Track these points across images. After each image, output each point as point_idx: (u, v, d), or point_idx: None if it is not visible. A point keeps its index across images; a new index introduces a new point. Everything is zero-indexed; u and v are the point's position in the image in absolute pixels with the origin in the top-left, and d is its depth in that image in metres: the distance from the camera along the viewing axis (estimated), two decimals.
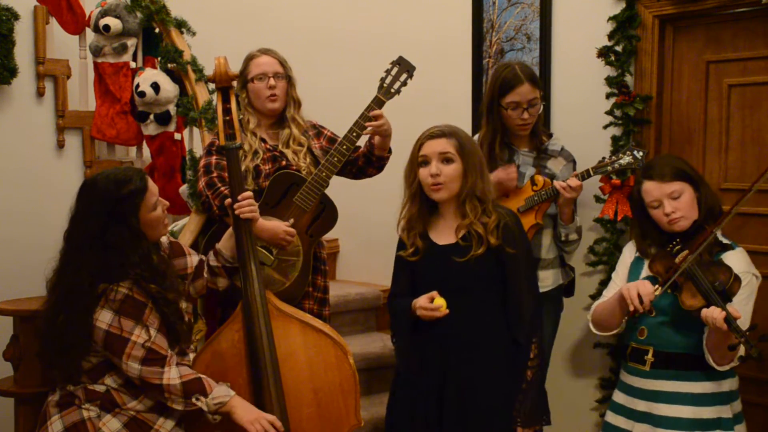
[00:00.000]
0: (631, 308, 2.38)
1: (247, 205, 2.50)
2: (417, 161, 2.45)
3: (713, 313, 2.20)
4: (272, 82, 2.93)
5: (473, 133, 3.53)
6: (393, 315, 2.58)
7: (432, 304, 2.37)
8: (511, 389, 2.39)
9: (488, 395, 2.37)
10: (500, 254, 2.40)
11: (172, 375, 2.22)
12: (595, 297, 3.20)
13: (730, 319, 2.16)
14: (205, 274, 2.55)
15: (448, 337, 2.40)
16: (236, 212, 2.49)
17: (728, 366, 2.34)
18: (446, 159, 2.41)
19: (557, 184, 2.78)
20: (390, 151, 2.97)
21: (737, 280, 2.29)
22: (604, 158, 2.79)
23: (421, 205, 2.49)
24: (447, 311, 2.36)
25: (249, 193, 2.53)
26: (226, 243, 2.55)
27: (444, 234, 2.49)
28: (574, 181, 2.75)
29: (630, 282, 2.50)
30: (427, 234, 2.51)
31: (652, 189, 2.48)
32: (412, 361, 2.47)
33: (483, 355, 2.40)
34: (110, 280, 2.20)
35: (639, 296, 2.36)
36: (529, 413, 2.38)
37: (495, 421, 2.38)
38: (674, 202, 2.44)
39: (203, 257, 2.59)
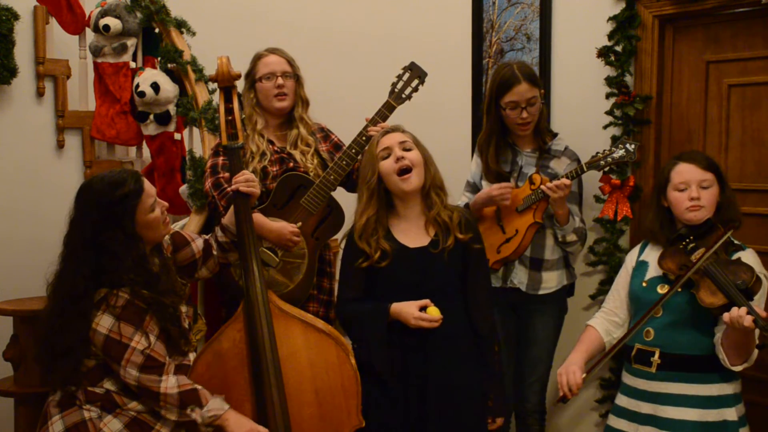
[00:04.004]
0: (561, 394, 2.46)
1: (244, 180, 2.44)
2: (377, 156, 2.47)
3: (740, 312, 2.17)
4: (280, 81, 2.92)
5: (474, 134, 3.54)
6: (357, 320, 2.49)
7: (427, 314, 2.36)
8: (484, 384, 2.46)
9: (468, 393, 2.42)
10: (466, 250, 2.46)
11: (170, 384, 2.21)
12: (595, 297, 3.20)
13: (757, 319, 2.15)
14: (215, 252, 2.52)
15: (428, 339, 2.40)
16: (233, 186, 2.43)
17: (741, 366, 2.33)
18: (406, 148, 2.47)
19: (543, 186, 2.77)
20: None
21: (759, 280, 2.29)
22: (597, 153, 2.79)
23: (380, 205, 2.48)
24: (441, 319, 2.37)
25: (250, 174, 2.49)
26: (232, 218, 2.50)
27: (411, 235, 2.48)
28: (561, 181, 2.74)
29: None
30: (392, 235, 2.48)
31: (686, 170, 2.47)
32: (388, 365, 2.42)
33: (461, 354, 2.44)
34: (108, 285, 2.18)
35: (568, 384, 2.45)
36: (503, 404, 2.49)
37: (474, 417, 2.43)
38: (702, 191, 2.45)
39: (206, 237, 2.55)
